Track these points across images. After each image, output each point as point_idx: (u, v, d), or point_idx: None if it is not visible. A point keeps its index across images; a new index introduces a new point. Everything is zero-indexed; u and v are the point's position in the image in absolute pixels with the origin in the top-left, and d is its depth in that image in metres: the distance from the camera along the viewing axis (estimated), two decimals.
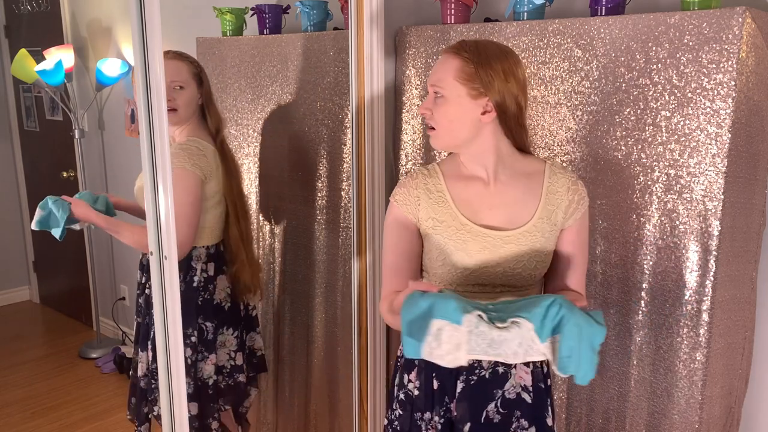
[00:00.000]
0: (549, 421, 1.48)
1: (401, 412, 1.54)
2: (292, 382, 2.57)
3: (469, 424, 1.44)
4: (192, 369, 2.08)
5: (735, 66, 1.47)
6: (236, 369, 2.21)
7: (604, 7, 1.70)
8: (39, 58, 3.52)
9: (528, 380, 1.46)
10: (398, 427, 1.54)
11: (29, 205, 4.57)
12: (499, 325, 1.18)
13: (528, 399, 1.45)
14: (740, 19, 1.45)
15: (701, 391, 1.59)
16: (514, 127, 1.41)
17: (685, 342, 1.60)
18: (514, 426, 1.45)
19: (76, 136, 3.74)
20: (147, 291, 2.20)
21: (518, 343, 1.19)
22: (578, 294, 1.45)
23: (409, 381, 1.52)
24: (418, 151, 2.13)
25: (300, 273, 2.47)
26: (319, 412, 2.50)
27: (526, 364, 1.45)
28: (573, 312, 1.17)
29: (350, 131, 2.11)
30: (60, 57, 3.49)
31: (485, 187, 1.44)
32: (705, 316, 1.57)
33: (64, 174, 4.03)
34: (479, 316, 1.17)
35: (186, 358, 2.03)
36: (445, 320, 1.17)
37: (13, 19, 4.26)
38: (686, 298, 1.59)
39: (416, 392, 1.51)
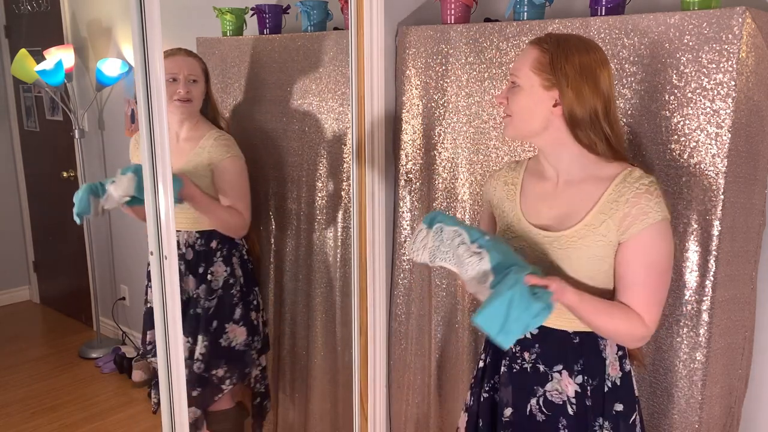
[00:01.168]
0: None
1: (473, 381, 1.65)
2: (293, 382, 2.57)
3: (510, 410, 1.48)
4: (260, 328, 2.45)
5: (735, 66, 1.47)
6: (265, 323, 2.56)
7: (604, 7, 1.70)
8: (39, 58, 3.51)
9: (570, 391, 1.42)
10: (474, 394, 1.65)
11: (29, 205, 4.57)
12: (471, 247, 1.31)
13: (570, 410, 1.42)
14: (740, 19, 1.45)
15: (701, 391, 1.59)
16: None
17: (685, 342, 1.60)
18: None
19: (76, 136, 3.74)
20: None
21: (474, 275, 1.30)
22: (630, 311, 1.34)
23: (482, 354, 1.63)
24: (418, 151, 2.13)
25: (300, 273, 2.47)
26: (319, 412, 2.50)
27: (571, 374, 1.42)
28: (517, 278, 1.24)
29: (350, 131, 2.11)
30: (60, 57, 3.49)
31: (553, 187, 1.45)
32: (705, 316, 1.57)
33: (64, 174, 4.03)
34: (456, 231, 1.34)
35: (253, 320, 2.39)
36: (424, 224, 1.40)
37: (13, 19, 4.26)
38: (686, 298, 1.59)
39: (481, 364, 1.61)
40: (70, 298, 4.37)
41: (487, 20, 1.99)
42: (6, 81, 4.42)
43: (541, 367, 1.44)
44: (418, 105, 2.10)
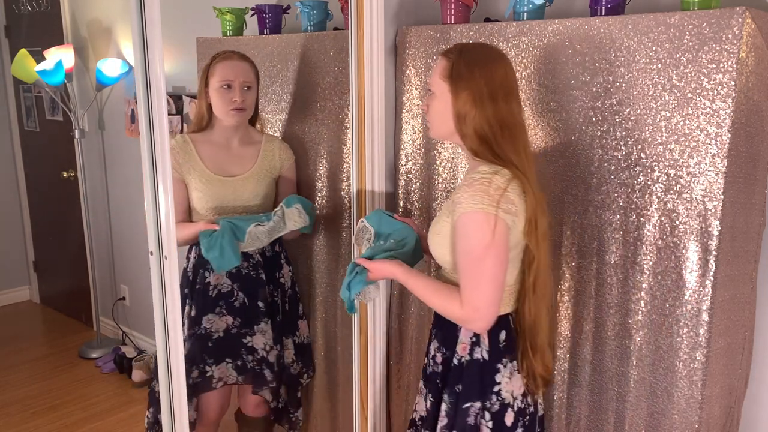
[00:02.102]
0: (444, 406, 1.59)
1: None
2: None
3: (426, 359, 1.71)
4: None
5: (735, 66, 1.47)
6: None
7: (604, 7, 1.70)
8: (39, 58, 3.52)
9: (435, 346, 1.65)
10: None
11: (29, 205, 4.57)
12: (370, 242, 1.78)
13: (437, 368, 1.64)
14: (740, 19, 1.45)
15: (701, 391, 1.60)
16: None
17: (685, 342, 1.60)
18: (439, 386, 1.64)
19: (76, 136, 3.74)
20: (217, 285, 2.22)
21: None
22: (454, 292, 1.50)
23: None
24: (418, 151, 2.13)
25: (300, 273, 2.47)
26: (319, 412, 2.50)
27: (435, 339, 1.65)
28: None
29: (350, 131, 2.11)
30: (60, 57, 3.49)
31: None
32: (705, 316, 1.57)
33: (64, 174, 4.03)
34: (368, 229, 1.79)
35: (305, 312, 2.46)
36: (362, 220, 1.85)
37: (13, 19, 4.26)
38: (686, 298, 1.59)
39: None
40: (70, 298, 4.37)
41: (487, 20, 2.00)
42: (6, 81, 4.42)
43: (433, 330, 1.68)
44: (418, 105, 2.10)
